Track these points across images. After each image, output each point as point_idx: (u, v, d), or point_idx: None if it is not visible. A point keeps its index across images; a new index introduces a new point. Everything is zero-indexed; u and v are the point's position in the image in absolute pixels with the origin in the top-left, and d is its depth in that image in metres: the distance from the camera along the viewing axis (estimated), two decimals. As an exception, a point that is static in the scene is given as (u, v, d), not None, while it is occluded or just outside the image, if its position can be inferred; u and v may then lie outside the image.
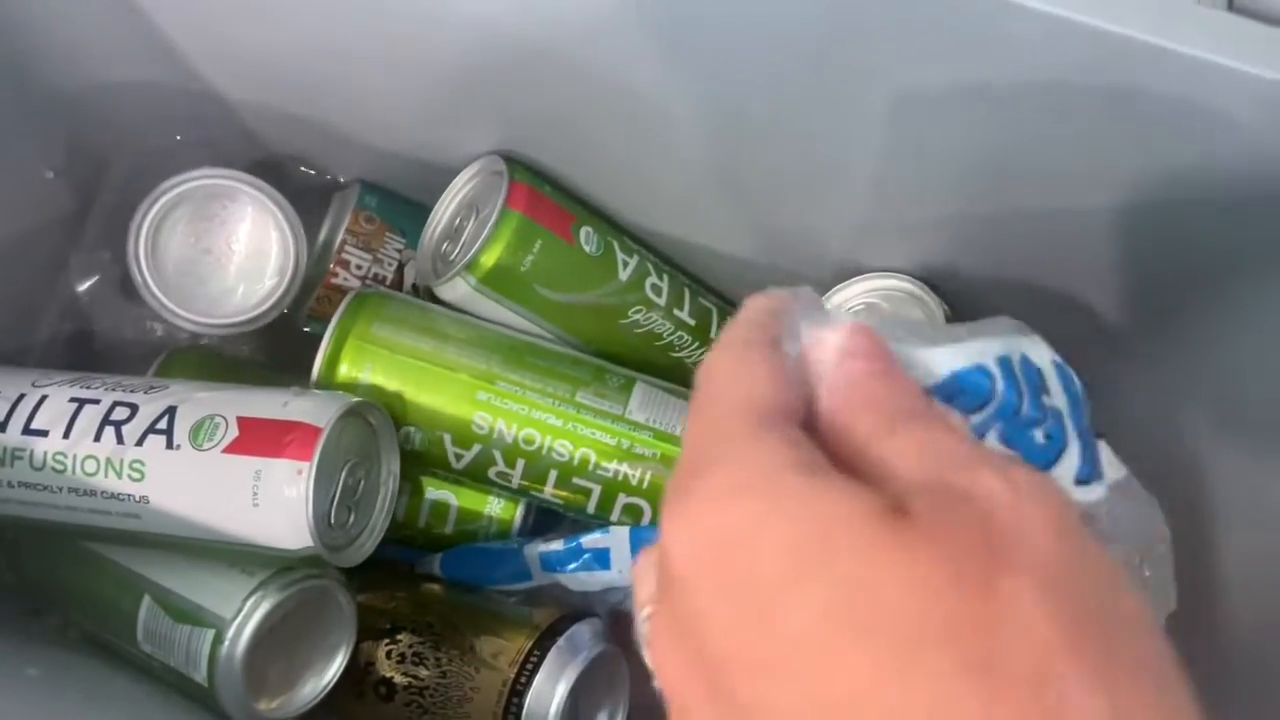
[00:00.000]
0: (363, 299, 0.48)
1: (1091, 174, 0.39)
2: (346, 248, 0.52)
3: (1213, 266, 0.41)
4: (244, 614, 0.42)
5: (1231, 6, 0.34)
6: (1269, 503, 0.42)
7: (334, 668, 0.45)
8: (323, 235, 0.51)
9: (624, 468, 0.48)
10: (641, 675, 0.47)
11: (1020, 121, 0.37)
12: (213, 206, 0.49)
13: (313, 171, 0.54)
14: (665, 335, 0.52)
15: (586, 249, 0.49)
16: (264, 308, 0.50)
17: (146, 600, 0.44)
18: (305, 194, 0.50)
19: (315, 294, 0.52)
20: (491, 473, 0.49)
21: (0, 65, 0.46)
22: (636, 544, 0.48)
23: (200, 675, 0.42)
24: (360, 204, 0.52)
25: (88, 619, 0.46)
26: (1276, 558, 0.41)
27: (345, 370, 0.47)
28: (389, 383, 0.47)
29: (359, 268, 0.52)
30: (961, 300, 0.49)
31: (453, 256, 0.49)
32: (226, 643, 0.42)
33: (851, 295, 0.49)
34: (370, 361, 0.47)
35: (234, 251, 0.49)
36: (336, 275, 0.52)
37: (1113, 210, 0.40)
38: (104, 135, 0.52)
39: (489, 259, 0.47)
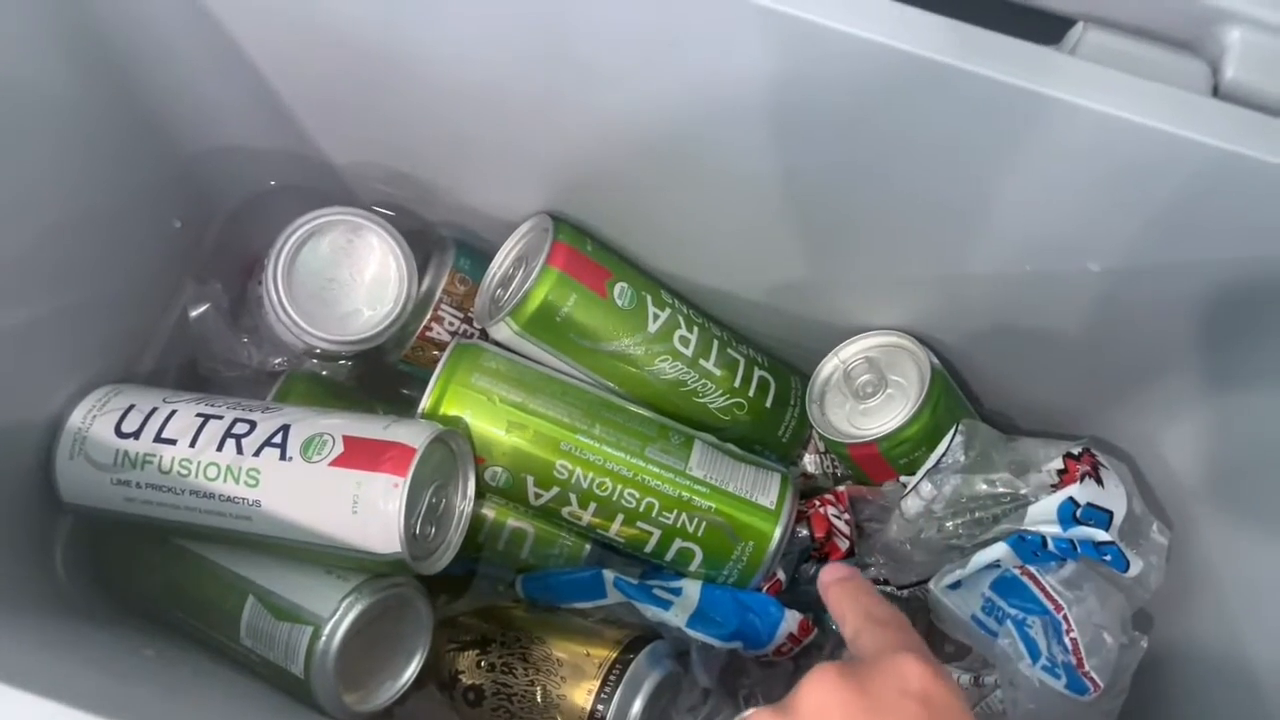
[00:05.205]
0: (464, 350, 0.53)
1: (1080, 243, 0.44)
2: (442, 305, 0.58)
3: (1203, 329, 0.46)
4: (339, 613, 0.47)
5: (1217, 93, 0.39)
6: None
7: (411, 668, 0.50)
8: (425, 285, 0.58)
9: (682, 516, 0.53)
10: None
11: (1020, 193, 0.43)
12: (340, 240, 0.56)
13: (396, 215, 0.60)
14: (690, 382, 0.57)
15: (619, 303, 0.55)
16: (382, 326, 0.56)
17: (251, 600, 0.49)
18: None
19: (411, 343, 0.58)
20: (565, 512, 0.54)
21: (144, 131, 0.53)
22: (705, 600, 0.54)
23: (298, 668, 0.47)
24: (456, 266, 0.58)
25: (192, 617, 0.51)
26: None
27: (446, 413, 0.52)
28: (484, 427, 0.52)
29: (451, 324, 0.58)
30: (951, 352, 0.57)
31: (502, 302, 0.55)
32: (324, 638, 0.47)
33: (856, 350, 0.57)
34: (470, 408, 0.52)
35: (355, 281, 0.56)
36: (431, 329, 0.58)
37: (1091, 275, 0.45)
38: (218, 186, 0.59)
39: (529, 308, 0.53)
